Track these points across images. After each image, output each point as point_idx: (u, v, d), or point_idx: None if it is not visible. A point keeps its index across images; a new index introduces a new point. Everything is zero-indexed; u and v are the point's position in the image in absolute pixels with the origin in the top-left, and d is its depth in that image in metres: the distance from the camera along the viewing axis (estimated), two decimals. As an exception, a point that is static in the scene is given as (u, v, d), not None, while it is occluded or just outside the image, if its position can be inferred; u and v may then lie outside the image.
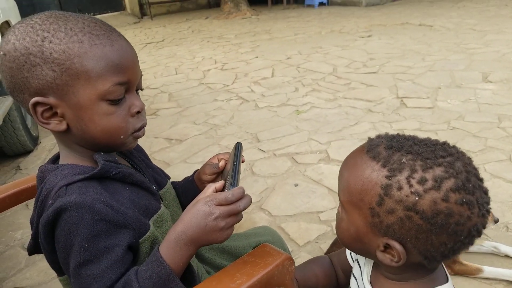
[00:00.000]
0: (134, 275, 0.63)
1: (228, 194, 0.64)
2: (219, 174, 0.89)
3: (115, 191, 0.70)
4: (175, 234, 0.64)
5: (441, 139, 2.49)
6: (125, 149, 0.74)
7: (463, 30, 5.67)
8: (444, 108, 3.09)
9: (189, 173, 2.76)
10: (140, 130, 0.73)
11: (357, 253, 0.75)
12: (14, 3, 4.19)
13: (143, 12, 12.78)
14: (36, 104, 0.64)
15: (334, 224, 1.75)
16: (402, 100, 3.35)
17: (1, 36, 3.16)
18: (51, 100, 0.64)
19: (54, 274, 0.75)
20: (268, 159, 2.63)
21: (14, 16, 3.91)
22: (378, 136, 0.67)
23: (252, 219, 2.04)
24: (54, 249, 0.66)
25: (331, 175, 2.35)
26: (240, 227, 1.99)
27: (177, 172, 2.59)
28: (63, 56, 0.62)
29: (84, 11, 13.06)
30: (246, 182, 2.36)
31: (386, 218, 0.60)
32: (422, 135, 2.62)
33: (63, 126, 0.67)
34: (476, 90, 3.40)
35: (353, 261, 0.85)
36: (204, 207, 0.63)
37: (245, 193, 0.66)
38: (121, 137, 0.70)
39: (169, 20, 11.27)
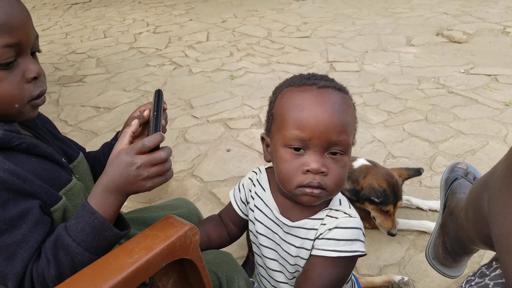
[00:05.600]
0: (64, 231, 0.62)
1: (145, 141, 0.64)
2: (145, 125, 0.86)
3: (19, 163, 0.65)
4: (101, 185, 0.64)
5: (366, 101, 2.62)
6: (23, 119, 0.70)
7: (392, -6, 5.87)
8: (370, 71, 3.23)
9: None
10: (39, 98, 0.68)
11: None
12: None
13: (66, -32, 11.64)
14: None
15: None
16: (331, 64, 3.44)
17: None
18: None
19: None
20: (201, 126, 2.61)
21: None
22: (319, 79, 0.74)
23: (184, 186, 2.04)
24: None
25: (262, 139, 2.39)
26: (171, 195, 1.99)
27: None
28: None
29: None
30: (178, 150, 2.34)
31: (353, 127, 0.75)
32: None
33: None
34: (400, 53, 3.58)
35: (246, 213, 0.91)
36: (125, 157, 0.64)
37: (164, 141, 0.66)
38: (16, 105, 0.65)
39: (96, -22, 10.40)
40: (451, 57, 3.44)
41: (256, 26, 4.79)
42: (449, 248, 1.15)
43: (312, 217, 0.77)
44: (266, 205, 0.84)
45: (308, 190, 0.69)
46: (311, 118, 0.67)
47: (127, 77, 3.55)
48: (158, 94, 0.80)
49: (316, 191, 0.69)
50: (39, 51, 0.70)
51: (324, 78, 0.75)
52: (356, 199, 1.59)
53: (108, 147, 0.95)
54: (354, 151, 2.18)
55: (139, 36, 4.79)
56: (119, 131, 0.94)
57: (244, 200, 0.91)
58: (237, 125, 2.58)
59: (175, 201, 1.13)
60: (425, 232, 1.64)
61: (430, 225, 1.63)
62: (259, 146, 2.33)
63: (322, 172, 0.68)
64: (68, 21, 5.74)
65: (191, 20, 5.36)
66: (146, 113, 0.83)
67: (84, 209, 0.64)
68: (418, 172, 1.58)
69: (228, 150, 2.32)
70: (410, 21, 4.48)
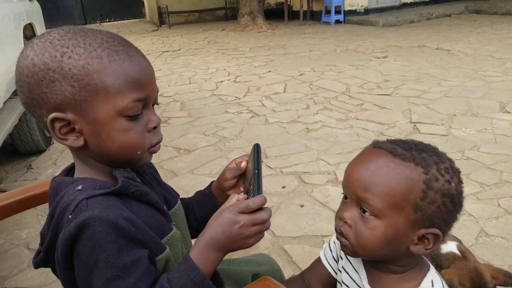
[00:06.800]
0: (167, 283, 0.63)
1: (249, 202, 0.66)
2: (240, 177, 0.88)
3: (132, 210, 0.69)
4: (204, 240, 0.66)
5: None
6: (140, 164, 0.74)
7: (481, 56, 5.60)
8: (458, 137, 3.03)
9: (195, 184, 2.72)
10: (155, 146, 0.73)
11: (378, 259, 0.76)
12: (38, 6, 4.26)
13: (162, 20, 12.95)
14: (54, 120, 0.64)
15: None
16: (415, 125, 3.29)
17: (23, 39, 3.21)
18: (69, 116, 0.64)
19: (55, 277, 0.72)
20: (275, 177, 2.59)
21: (37, 19, 3.97)
22: (381, 142, 0.75)
23: (255, 239, 1.99)
24: (70, 266, 0.64)
25: (338, 198, 2.29)
26: (242, 247, 1.94)
27: (184, 183, 2.57)
28: (82, 71, 0.62)
29: (105, 16, 13.33)
30: (251, 199, 2.32)
31: (428, 209, 0.68)
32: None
33: (80, 142, 0.67)
34: (493, 120, 3.32)
35: (337, 272, 0.89)
36: (229, 215, 0.66)
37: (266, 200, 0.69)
38: (138, 153, 0.70)
39: (187, 30, 11.39)
40: (554, 127, 3.11)
41: (334, 80, 4.82)
42: None
43: None
44: (355, 270, 0.82)
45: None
46: (347, 169, 0.75)
47: (207, 121, 3.71)
48: (257, 149, 0.80)
49: (339, 236, 0.74)
50: (157, 104, 0.75)
51: (406, 145, 0.72)
52: None
53: (201, 196, 0.96)
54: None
55: (221, 84, 5.04)
56: (213, 181, 0.95)
57: (336, 257, 0.90)
58: (311, 180, 2.51)
59: (258, 257, 1.11)
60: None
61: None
62: (335, 206, 2.23)
63: (346, 222, 0.72)
64: (159, 66, 6.26)
65: (270, 71, 5.55)
66: (243, 164, 0.86)
67: (186, 263, 0.65)
68: None
69: (302, 206, 2.25)
70: (503, 86, 4.20)
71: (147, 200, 0.73)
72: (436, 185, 0.67)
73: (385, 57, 5.96)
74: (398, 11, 10.94)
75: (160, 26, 12.68)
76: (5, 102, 2.75)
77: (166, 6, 12.53)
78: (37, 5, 4.20)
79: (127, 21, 13.49)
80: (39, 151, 3.26)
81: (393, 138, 0.79)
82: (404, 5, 11.30)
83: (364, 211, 0.70)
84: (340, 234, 0.74)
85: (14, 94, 3.00)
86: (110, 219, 0.62)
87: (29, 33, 3.68)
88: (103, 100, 0.64)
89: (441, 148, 2.66)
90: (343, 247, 0.75)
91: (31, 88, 0.64)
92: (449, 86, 4.29)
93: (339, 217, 0.75)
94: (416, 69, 5.09)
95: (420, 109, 3.64)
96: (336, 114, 3.68)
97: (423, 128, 3.21)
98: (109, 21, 13.22)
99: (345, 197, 0.75)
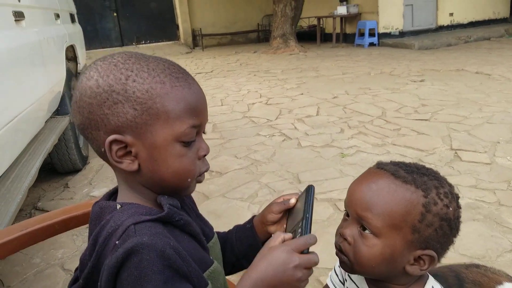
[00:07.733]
0: None
1: (307, 238, 0.64)
2: (285, 213, 0.85)
3: (176, 239, 0.66)
4: (250, 281, 0.62)
5: (500, 200, 2.27)
6: (187, 193, 0.74)
7: (524, 81, 5.35)
8: (503, 165, 2.85)
9: (227, 208, 2.67)
10: (202, 174, 0.72)
11: (375, 277, 0.78)
12: (80, 29, 4.46)
13: (195, 43, 13.31)
14: (112, 142, 0.64)
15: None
16: (456, 153, 3.13)
17: (66, 60, 3.34)
18: (128, 138, 0.64)
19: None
20: (308, 203, 2.51)
21: (78, 41, 4.14)
22: (385, 163, 0.77)
23: (288, 269, 1.91)
24: None
25: (376, 228, 2.19)
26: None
27: (215, 206, 2.54)
28: (146, 95, 0.63)
29: (141, 39, 13.84)
30: (284, 226, 2.25)
31: (425, 231, 0.70)
32: (479, 193, 2.40)
33: (135, 166, 0.66)
34: (540, 148, 3.13)
35: None
36: (282, 254, 0.62)
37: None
38: (189, 180, 0.69)
39: (219, 52, 11.62)
40: None
41: (369, 104, 4.71)
42: None
43: None
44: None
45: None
46: (350, 188, 0.77)
47: (238, 144, 3.69)
48: (311, 191, 0.78)
49: (338, 253, 0.76)
50: (205, 133, 0.75)
51: (409, 168, 0.75)
52: None
53: (241, 231, 0.92)
54: (488, 258, 1.86)
55: (252, 106, 5.05)
56: (254, 215, 0.91)
57: (342, 280, 0.91)
58: (347, 208, 2.42)
59: None
60: None
61: None
62: (372, 235, 2.13)
63: (346, 239, 0.74)
64: (192, 88, 6.35)
65: (302, 94, 5.52)
66: (292, 201, 0.82)
67: None
68: None
69: (337, 235, 2.16)
70: (550, 112, 3.97)
71: (189, 231, 0.70)
72: (435, 209, 0.70)
73: (422, 80, 5.80)
74: (434, 34, 10.74)
75: (194, 48, 13.03)
76: (46, 121, 2.84)
77: (200, 29, 12.90)
78: (79, 28, 4.40)
79: (162, 43, 13.94)
80: (75, 170, 3.34)
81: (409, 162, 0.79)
82: (441, 27, 11.10)
83: (364, 229, 0.73)
84: (339, 250, 0.76)
85: (55, 113, 3.11)
86: (158, 247, 0.59)
87: (70, 54, 3.83)
88: (163, 124, 0.64)
89: (485, 178, 2.51)
90: (341, 263, 0.77)
91: (92, 109, 0.64)
92: (491, 111, 4.10)
93: (339, 233, 0.77)
94: (455, 94, 4.92)
95: (460, 136, 3.48)
96: (372, 139, 3.58)
97: (464, 156, 3.05)
98: (145, 43, 13.71)
99: (347, 215, 0.78)
